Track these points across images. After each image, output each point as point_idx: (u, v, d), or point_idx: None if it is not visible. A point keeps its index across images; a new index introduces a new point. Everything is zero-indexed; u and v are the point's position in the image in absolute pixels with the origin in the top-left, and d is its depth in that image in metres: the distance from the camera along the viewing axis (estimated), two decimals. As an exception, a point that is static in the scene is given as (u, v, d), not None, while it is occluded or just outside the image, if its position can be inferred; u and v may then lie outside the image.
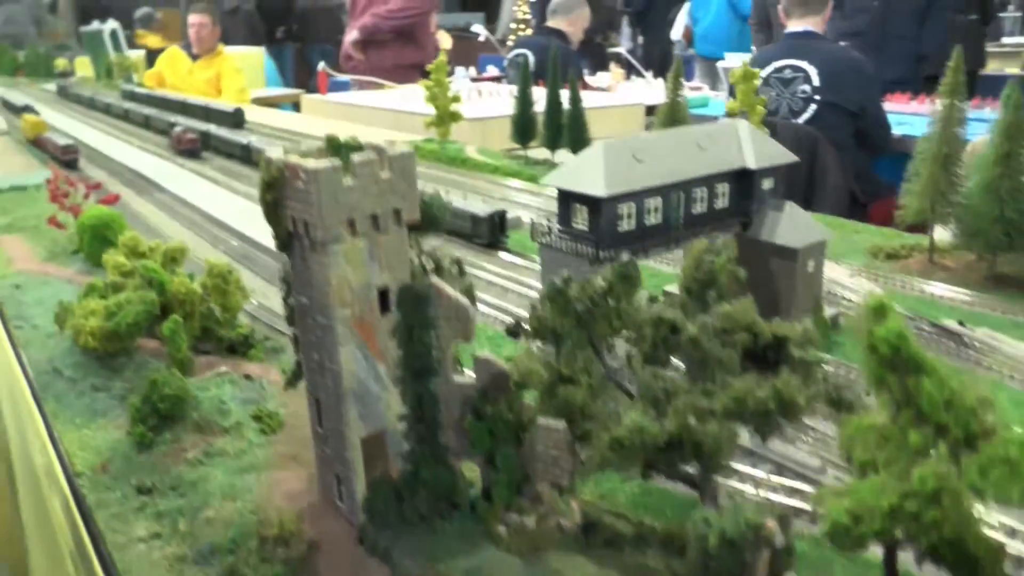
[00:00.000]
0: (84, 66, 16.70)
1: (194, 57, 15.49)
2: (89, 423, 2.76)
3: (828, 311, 3.00)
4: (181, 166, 6.54)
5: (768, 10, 14.24)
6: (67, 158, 6.57)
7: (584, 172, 2.62)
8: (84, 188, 4.49)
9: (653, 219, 2.71)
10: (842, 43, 10.17)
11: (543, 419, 1.75)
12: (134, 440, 2.57)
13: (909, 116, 9.95)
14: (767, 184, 2.93)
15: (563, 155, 5.68)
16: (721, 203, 2.88)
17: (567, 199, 2.70)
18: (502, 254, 3.97)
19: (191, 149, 6.89)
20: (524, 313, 3.29)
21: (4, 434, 3.51)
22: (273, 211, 1.70)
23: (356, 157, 1.59)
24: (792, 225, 2.86)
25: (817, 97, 8.95)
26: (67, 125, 9.23)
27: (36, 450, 2.98)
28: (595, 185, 2.55)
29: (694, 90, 13.31)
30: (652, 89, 13.72)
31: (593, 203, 2.58)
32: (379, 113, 8.75)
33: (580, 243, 2.64)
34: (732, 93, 9.74)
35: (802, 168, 8.20)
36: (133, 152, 7.27)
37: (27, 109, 9.13)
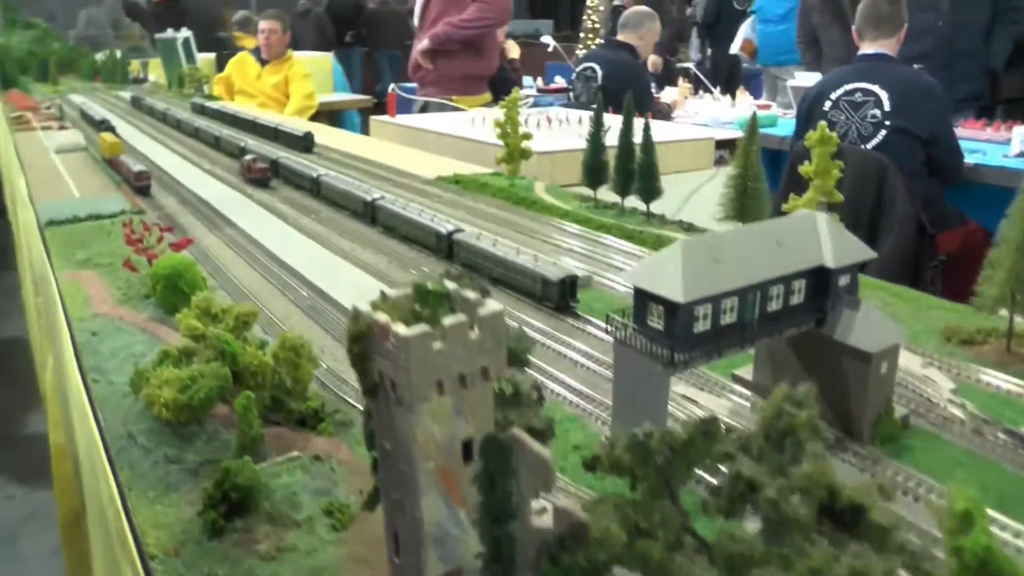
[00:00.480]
0: (156, 67, 16.99)
1: (263, 62, 15.64)
2: (162, 497, 2.81)
3: (899, 410, 2.96)
4: (250, 196, 6.61)
5: (815, 30, 14.06)
6: (140, 184, 6.69)
7: (662, 273, 2.60)
8: (158, 231, 4.56)
9: (728, 318, 2.69)
10: (916, 66, 9.96)
11: (619, 569, 1.75)
12: (205, 524, 2.60)
13: (983, 144, 9.74)
14: (843, 281, 2.90)
15: (632, 201, 5.69)
16: (796, 299, 2.85)
17: (643, 297, 2.69)
18: (571, 320, 3.96)
19: (260, 179, 6.98)
20: (592, 393, 3.32)
21: (80, 494, 3.58)
22: (360, 362, 1.71)
23: (447, 321, 1.60)
24: (867, 326, 2.83)
25: (887, 122, 8.80)
26: (140, 141, 9.40)
27: (111, 516, 3.04)
28: (673, 290, 2.53)
29: (762, 108, 13.20)
30: (719, 105, 13.65)
31: (670, 306, 2.57)
32: (448, 141, 8.78)
33: (655, 343, 2.63)
34: (800, 117, 9.62)
35: (869, 196, 8.11)
36: (203, 179, 7.35)
37: (104, 124, 9.31)
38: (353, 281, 4.47)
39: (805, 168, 4.38)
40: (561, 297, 4.01)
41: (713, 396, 3.22)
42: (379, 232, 5.54)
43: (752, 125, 4.75)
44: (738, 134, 8.94)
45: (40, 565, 6.10)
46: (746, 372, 3.32)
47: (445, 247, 4.82)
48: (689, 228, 5.38)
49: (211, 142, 8.91)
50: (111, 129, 9.17)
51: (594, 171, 5.79)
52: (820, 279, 2.88)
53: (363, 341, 1.68)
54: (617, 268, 4.68)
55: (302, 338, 3.26)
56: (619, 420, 2.88)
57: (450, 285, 1.74)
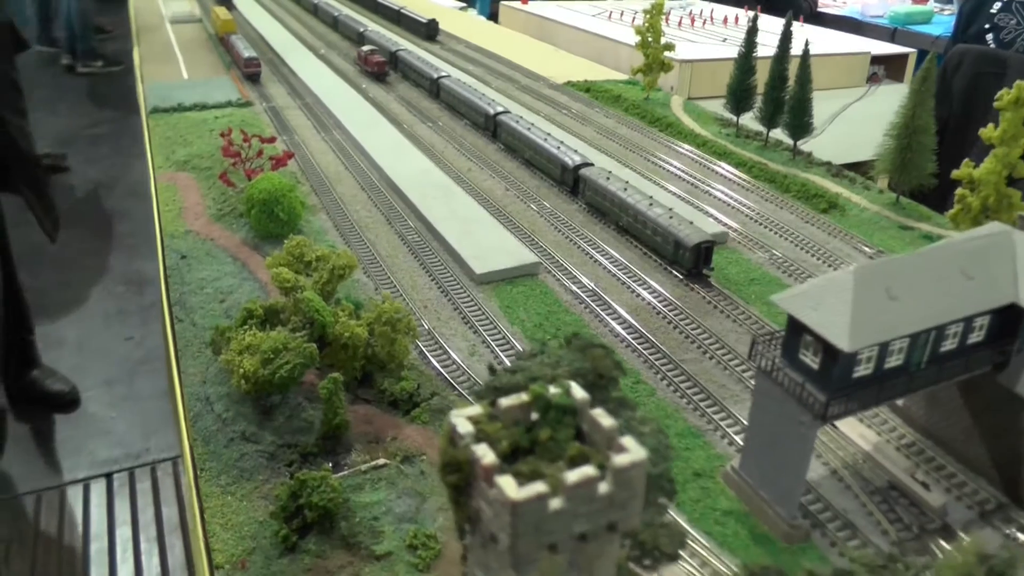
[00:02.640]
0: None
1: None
2: (234, 486, 2.50)
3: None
4: (363, 93, 6.18)
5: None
6: (249, 72, 6.34)
7: (826, 306, 2.10)
8: (259, 142, 4.18)
9: (894, 361, 2.19)
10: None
11: None
12: (276, 535, 2.27)
13: None
14: (1037, 319, 2.36)
15: (777, 134, 5.11)
16: (976, 336, 2.32)
17: (798, 326, 2.20)
18: (703, 291, 3.48)
19: (377, 73, 6.54)
20: (719, 396, 2.85)
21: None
22: (454, 494, 1.30)
23: (571, 476, 1.17)
24: (1059, 384, 2.29)
25: (1069, 30, 7.79)
26: (256, 16, 8.99)
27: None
28: (838, 332, 2.04)
29: (918, 1, 12.19)
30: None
31: (830, 348, 2.08)
32: (580, 36, 8.12)
33: (806, 386, 2.15)
34: (962, 17, 8.69)
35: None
36: (316, 67, 6.94)
37: (222, -5, 8.95)
38: (467, 216, 4.04)
39: (988, 132, 3.74)
40: (695, 264, 3.53)
41: (855, 420, 2.73)
42: (499, 150, 5.08)
43: (927, 71, 4.11)
44: (895, 48, 8.12)
45: (153, 405, 6.14)
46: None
47: (570, 181, 4.34)
48: (837, 173, 4.79)
49: (329, 22, 8.46)
50: (227, 1, 8.80)
51: (740, 96, 5.20)
52: (1009, 317, 2.32)
53: (460, 472, 1.26)
54: (755, 223, 4.17)
55: (400, 309, 2.87)
56: (750, 460, 2.42)
57: (578, 394, 1.30)
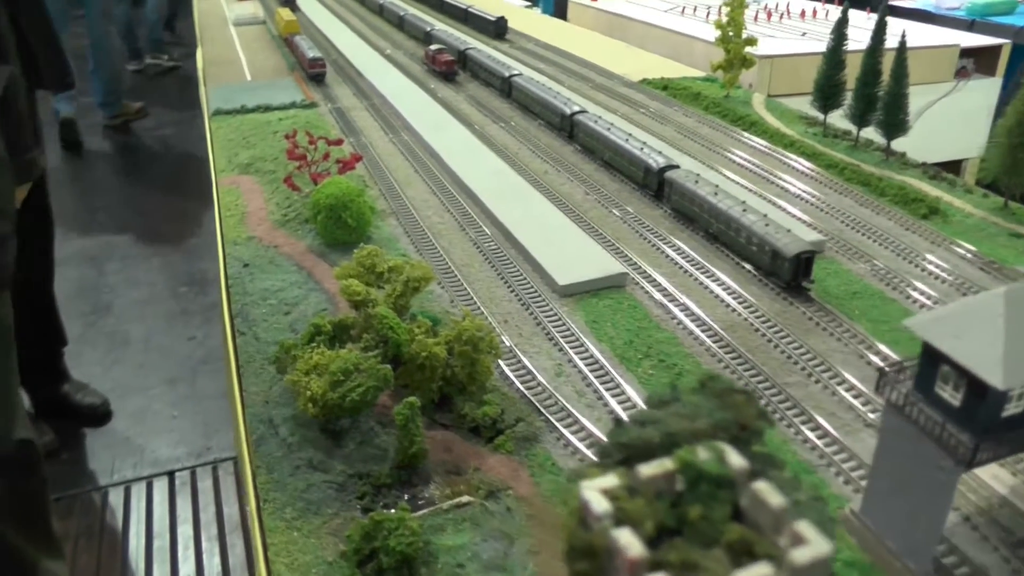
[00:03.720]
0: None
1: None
2: (300, 520, 2.27)
3: None
4: (432, 93, 5.97)
5: None
6: (313, 72, 6.17)
7: (972, 334, 1.79)
8: (325, 145, 3.98)
9: (1049, 397, 1.89)
10: None
11: None
12: (348, 580, 2.04)
13: None
14: None
15: (869, 133, 4.77)
16: None
17: (934, 356, 1.90)
18: (803, 307, 3.19)
19: (446, 72, 6.32)
20: (830, 428, 2.57)
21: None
22: (581, 582, 1.05)
23: (744, 576, 0.91)
24: None
25: None
26: (320, 18, 8.84)
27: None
28: (989, 365, 1.72)
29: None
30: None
31: (977, 383, 1.78)
32: (652, 32, 7.84)
33: (947, 425, 1.85)
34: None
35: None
36: (383, 67, 6.75)
37: (286, -6, 8.83)
38: (546, 221, 3.80)
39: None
40: (794, 276, 3.24)
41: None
42: (576, 151, 4.82)
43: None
44: (988, 39, 7.71)
45: (213, 405, 6.16)
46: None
47: (654, 184, 4.07)
48: (935, 176, 4.46)
49: (395, 22, 8.27)
50: (291, 2, 8.67)
51: (828, 93, 4.86)
52: None
53: (593, 560, 1.01)
54: (852, 230, 3.86)
55: (483, 326, 2.62)
56: (875, 505, 2.13)
57: (735, 461, 1.04)
